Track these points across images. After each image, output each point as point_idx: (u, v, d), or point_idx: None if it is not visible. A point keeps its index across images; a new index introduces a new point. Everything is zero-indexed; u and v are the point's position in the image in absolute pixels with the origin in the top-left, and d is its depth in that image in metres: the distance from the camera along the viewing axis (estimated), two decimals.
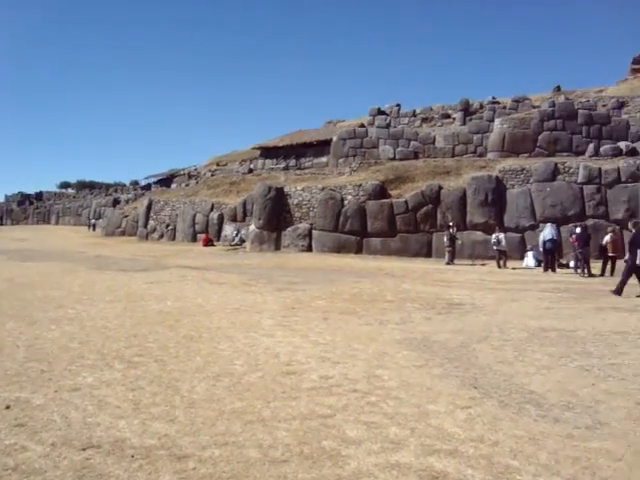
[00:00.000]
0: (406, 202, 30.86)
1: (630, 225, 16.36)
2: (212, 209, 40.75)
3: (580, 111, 37.49)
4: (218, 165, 61.23)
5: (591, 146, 34.05)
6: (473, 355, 8.35)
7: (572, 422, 5.67)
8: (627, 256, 15.79)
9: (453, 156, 39.12)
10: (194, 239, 40.49)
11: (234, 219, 39.04)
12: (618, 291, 15.14)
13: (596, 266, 23.50)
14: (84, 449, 4.92)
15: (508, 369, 7.60)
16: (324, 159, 47.02)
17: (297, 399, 6.23)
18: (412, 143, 41.73)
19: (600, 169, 29.52)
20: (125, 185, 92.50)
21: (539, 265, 25.91)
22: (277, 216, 33.01)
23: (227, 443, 5.08)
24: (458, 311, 12.37)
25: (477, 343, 9.12)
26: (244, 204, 38.40)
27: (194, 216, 41.48)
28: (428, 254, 30.41)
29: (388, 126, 43.66)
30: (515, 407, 6.07)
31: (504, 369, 7.59)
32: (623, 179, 29.12)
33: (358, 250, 30.78)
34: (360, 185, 31.66)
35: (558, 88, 49.02)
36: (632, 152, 31.81)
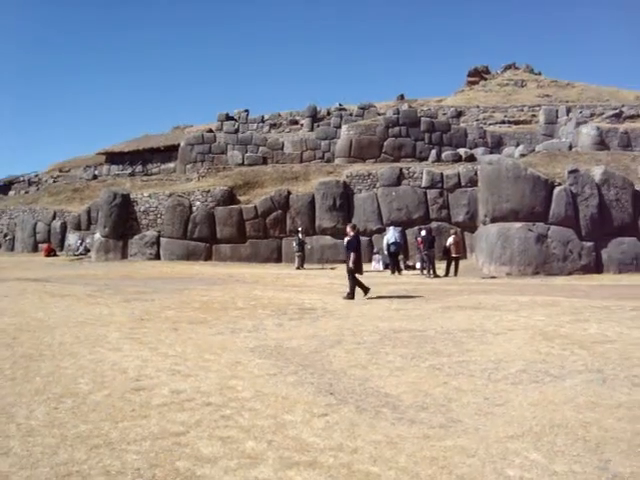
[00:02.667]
0: (255, 208, 30.78)
1: (348, 228, 16.83)
2: (54, 217, 38.80)
3: (423, 119, 39.07)
4: (61, 171, 58.31)
5: (433, 152, 35.53)
6: (327, 360, 8.27)
7: (427, 422, 5.69)
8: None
9: (301, 162, 39.51)
10: (35, 249, 38.41)
11: (78, 227, 37.34)
12: (351, 296, 15.28)
13: (441, 267, 24.43)
14: None
15: (362, 373, 7.58)
16: (172, 165, 46.05)
17: (147, 417, 5.83)
18: (261, 149, 41.75)
19: (442, 174, 30.86)
20: None
21: (387, 268, 26.58)
22: (123, 224, 31.83)
23: (70, 474, 4.60)
24: (310, 316, 12.32)
25: (330, 348, 9.06)
26: (89, 212, 36.85)
27: (35, 225, 39.30)
28: (278, 259, 30.48)
29: (237, 132, 43.48)
30: (372, 411, 6.02)
31: (359, 373, 7.56)
32: (463, 183, 30.58)
33: (208, 257, 30.33)
34: (209, 191, 31.21)
35: (402, 97, 50.87)
36: (470, 158, 33.48)
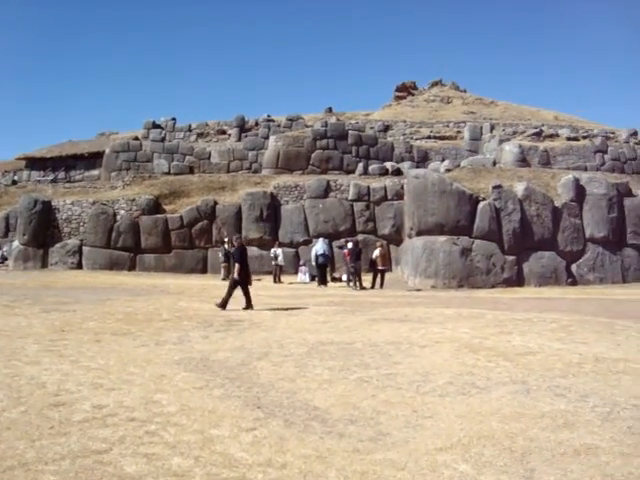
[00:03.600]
0: (181, 217, 30.40)
1: (234, 240, 17.09)
2: None
3: (350, 132, 39.37)
4: None
5: (360, 165, 35.85)
6: (254, 373, 8.15)
7: (357, 435, 5.65)
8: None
9: (228, 172, 39.23)
10: None
11: None
12: (223, 305, 15.30)
13: (367, 279, 24.59)
14: None
15: (290, 385, 7.49)
16: (96, 172, 44.90)
17: (67, 434, 5.56)
18: (188, 158, 41.27)
19: (369, 187, 31.16)
20: None
21: (313, 279, 26.60)
22: (44, 231, 30.85)
23: None
24: (237, 328, 12.17)
25: (257, 360, 8.94)
26: (7, 218, 35.54)
27: None
28: (204, 270, 30.14)
29: (163, 140, 42.87)
30: (301, 425, 5.93)
31: (286, 386, 7.47)
32: (389, 197, 30.96)
33: (132, 267, 29.72)
34: (134, 200, 30.63)
35: (330, 109, 51.18)
36: (397, 172, 33.94)
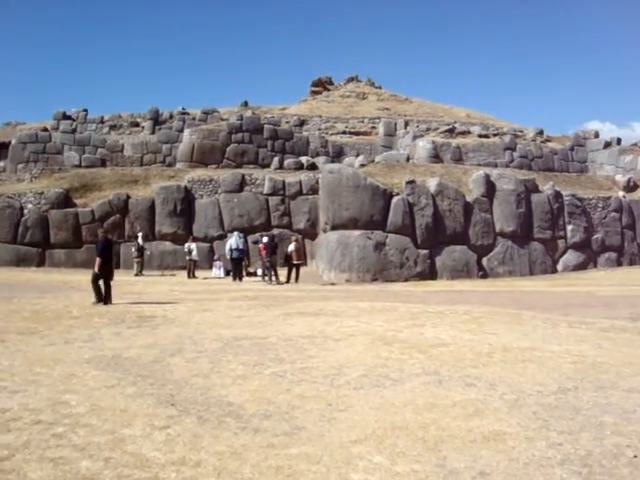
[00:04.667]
0: (93, 211, 29.59)
1: (99, 233, 17.13)
2: None
3: (266, 126, 39.27)
4: None
5: (276, 159, 35.79)
6: (168, 370, 8.01)
7: (271, 430, 5.62)
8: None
9: (142, 165, 38.43)
10: None
11: None
12: (98, 301, 15.05)
13: (282, 273, 24.58)
14: None
15: (204, 382, 7.39)
16: (1, 164, 43.15)
17: None
18: (100, 150, 40.21)
19: (284, 181, 31.15)
20: None
21: (228, 274, 26.39)
22: None
23: None
24: (150, 324, 11.94)
25: (171, 357, 8.79)
26: None
27: None
28: (116, 265, 29.31)
29: (74, 132, 41.64)
30: (215, 422, 5.85)
31: (200, 382, 7.37)
32: (304, 191, 31.01)
33: (40, 263, 28.70)
34: (42, 193, 29.58)
35: (246, 103, 50.81)
36: (312, 166, 34.05)
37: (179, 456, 4.95)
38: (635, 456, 5.06)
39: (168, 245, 29.68)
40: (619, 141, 46.28)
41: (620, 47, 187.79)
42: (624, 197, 34.32)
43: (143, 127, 44.07)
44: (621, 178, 37.48)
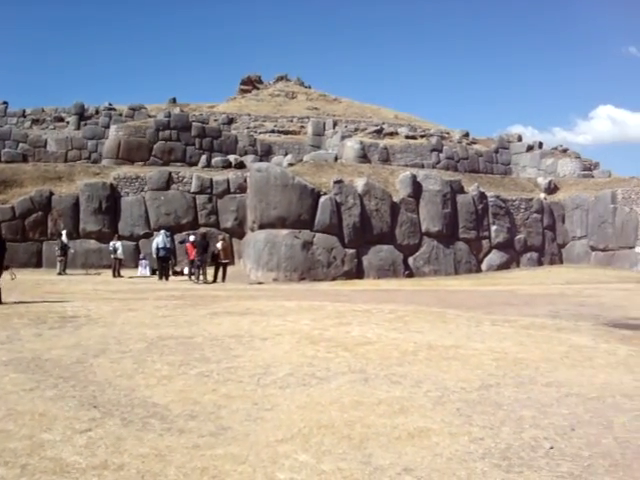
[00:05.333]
0: (13, 208, 28.67)
1: None
2: None
3: (194, 124, 38.92)
4: None
5: (204, 157, 35.51)
6: (91, 371, 7.82)
7: (197, 431, 5.55)
8: None
9: (66, 161, 37.56)
10: None
11: None
12: None
13: (209, 273, 24.37)
14: None
15: (129, 383, 7.25)
16: None
17: None
18: (21, 145, 39.05)
19: (212, 180, 30.92)
20: None
21: (154, 273, 26.02)
22: None
23: None
24: (72, 324, 11.63)
25: (94, 358, 8.59)
26: None
27: None
28: (38, 264, 28.62)
29: None
30: (139, 423, 5.74)
31: (125, 383, 7.23)
32: (232, 190, 30.87)
33: None
34: None
35: (174, 100, 50.20)
36: (240, 165, 33.91)
37: (101, 460, 4.83)
38: (551, 447, 5.23)
39: (93, 243, 29.06)
40: (541, 145, 47.86)
41: (542, 55, 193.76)
42: (545, 199, 35.44)
43: (68, 122, 43.02)
44: (542, 180, 38.71)
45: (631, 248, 32.18)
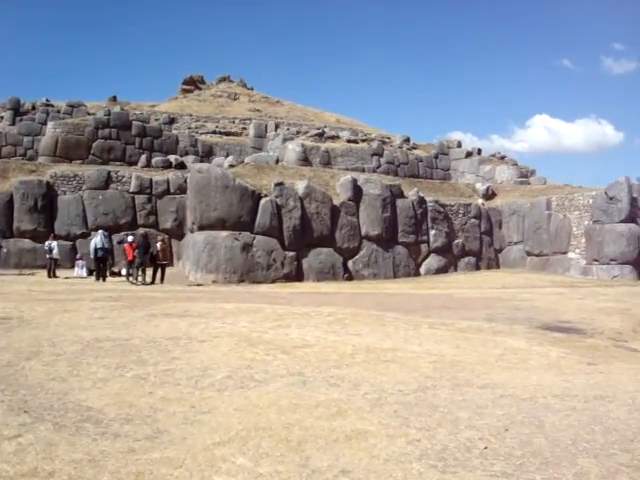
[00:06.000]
0: None
1: None
2: None
3: (135, 123, 38.44)
4: None
5: (144, 157, 35.06)
6: (22, 374, 7.61)
7: (132, 435, 5.47)
8: None
9: (0, 158, 36.47)
10: None
11: None
12: None
13: (147, 274, 24.06)
14: None
15: (62, 386, 7.09)
16: None
17: None
18: None
19: (151, 180, 30.57)
20: None
21: (91, 274, 25.55)
22: None
23: None
24: (3, 326, 11.30)
25: (27, 360, 8.36)
26: None
27: None
28: None
29: None
30: (72, 428, 5.61)
31: (58, 386, 7.06)
32: (172, 190, 30.59)
33: None
34: None
35: (114, 98, 49.40)
36: (181, 165, 33.60)
37: (30, 467, 4.69)
38: (486, 447, 5.34)
39: (27, 243, 28.33)
40: (479, 151, 48.82)
41: (482, 64, 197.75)
42: (483, 204, 36.12)
43: (2, 117, 41.86)
44: (481, 186, 39.47)
45: (564, 253, 33.05)
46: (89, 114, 40.78)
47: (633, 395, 7.32)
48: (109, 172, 30.66)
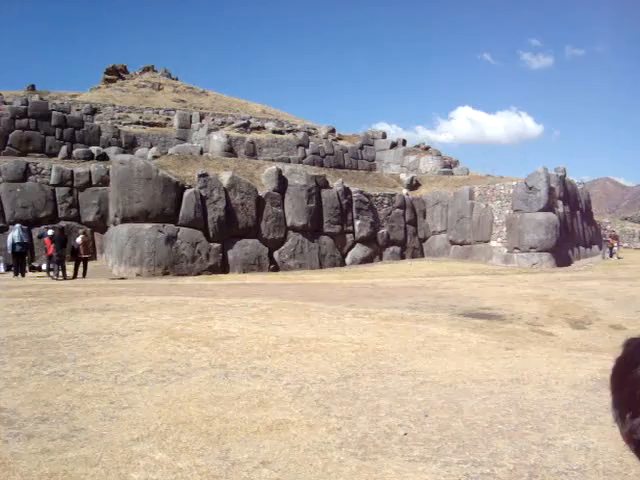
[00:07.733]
0: None
1: None
2: None
3: (54, 113, 37.40)
4: None
5: (64, 148, 34.16)
6: None
7: (47, 435, 5.35)
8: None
9: None
10: None
11: None
12: None
13: (69, 268, 23.47)
14: None
15: None
16: None
17: None
18: None
19: (73, 172, 29.83)
20: None
21: (9, 269, 24.77)
22: None
23: None
24: None
25: None
26: None
27: None
28: None
29: None
30: None
31: None
32: (94, 182, 29.95)
33: None
34: None
35: (33, 87, 47.91)
36: (103, 157, 32.90)
37: None
38: (405, 434, 5.45)
39: None
40: (404, 142, 49.40)
41: (406, 57, 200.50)
42: (407, 195, 36.60)
43: None
44: (405, 177, 40.02)
45: (487, 242, 33.86)
46: (5, 103, 39.42)
47: (546, 377, 7.59)
48: (27, 164, 29.71)
